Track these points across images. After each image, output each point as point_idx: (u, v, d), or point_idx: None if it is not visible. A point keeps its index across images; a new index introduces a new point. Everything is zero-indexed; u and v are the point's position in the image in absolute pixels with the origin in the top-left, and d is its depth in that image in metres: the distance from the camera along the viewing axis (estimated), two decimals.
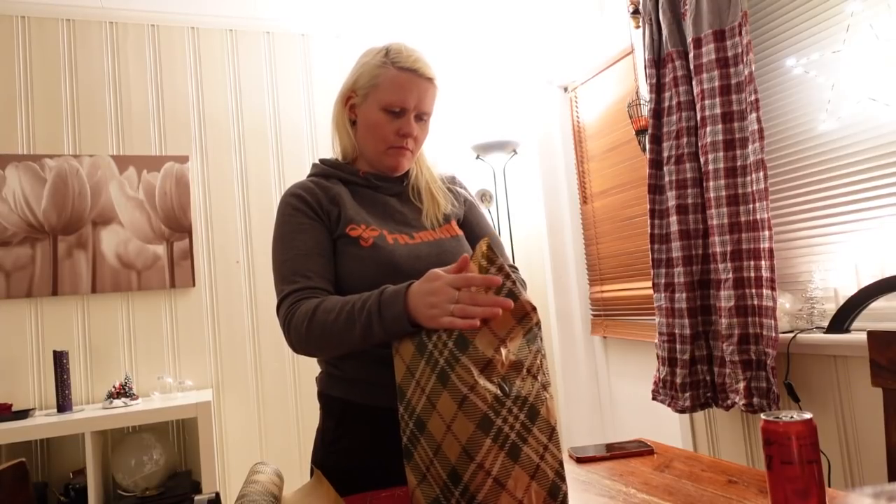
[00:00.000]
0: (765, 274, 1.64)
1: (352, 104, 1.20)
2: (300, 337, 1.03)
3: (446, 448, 0.83)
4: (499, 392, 0.85)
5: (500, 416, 0.84)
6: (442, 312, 0.87)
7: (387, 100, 1.15)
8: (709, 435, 2.04)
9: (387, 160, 1.19)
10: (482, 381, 0.84)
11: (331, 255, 1.12)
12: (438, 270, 0.92)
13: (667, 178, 1.90)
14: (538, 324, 0.94)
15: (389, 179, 1.24)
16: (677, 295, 1.87)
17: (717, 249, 1.76)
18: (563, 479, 0.86)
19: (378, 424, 1.11)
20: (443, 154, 3.07)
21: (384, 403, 1.07)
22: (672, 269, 1.91)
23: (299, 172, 2.94)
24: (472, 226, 1.30)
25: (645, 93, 2.13)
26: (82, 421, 2.15)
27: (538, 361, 0.92)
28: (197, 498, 0.89)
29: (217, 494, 0.91)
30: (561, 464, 0.87)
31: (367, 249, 1.11)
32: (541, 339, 0.94)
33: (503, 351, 0.88)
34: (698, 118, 1.80)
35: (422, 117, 1.19)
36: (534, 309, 0.91)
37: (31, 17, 2.63)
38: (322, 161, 1.25)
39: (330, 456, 1.14)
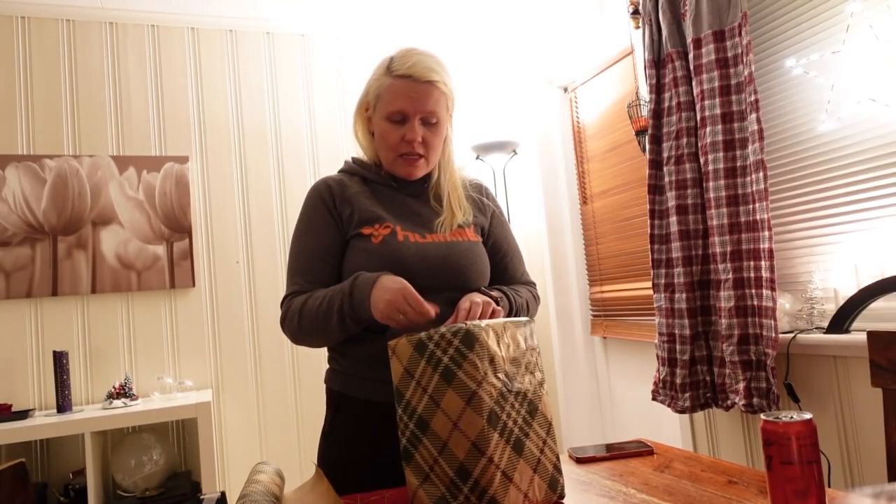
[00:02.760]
0: (765, 274, 1.64)
1: (368, 116, 1.25)
2: (293, 328, 1.16)
3: (453, 445, 0.84)
4: (503, 387, 0.87)
5: (505, 411, 0.86)
6: (388, 317, 1.02)
7: (388, 109, 1.18)
8: (709, 435, 2.04)
9: (398, 169, 1.22)
10: (490, 377, 0.85)
11: (336, 257, 1.20)
12: (403, 281, 1.04)
13: (667, 179, 1.90)
14: (532, 321, 0.99)
15: (410, 181, 1.26)
16: (677, 295, 1.87)
17: (717, 250, 1.76)
18: (560, 472, 0.93)
19: (371, 418, 1.14)
20: None
21: (377, 398, 1.12)
22: (672, 270, 1.91)
23: (299, 173, 2.94)
24: (497, 239, 1.32)
25: (645, 93, 2.13)
26: (82, 421, 2.15)
27: (534, 358, 0.96)
28: (205, 497, 0.90)
29: (223, 494, 0.92)
30: (558, 457, 0.94)
31: (375, 245, 1.15)
32: (536, 337, 0.99)
33: (503, 347, 0.90)
34: (698, 119, 1.80)
35: (429, 121, 1.18)
36: None
37: (31, 17, 2.63)
38: (352, 159, 1.31)
39: (327, 447, 1.20)
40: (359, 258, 1.16)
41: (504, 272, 1.32)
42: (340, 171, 1.30)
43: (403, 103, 1.16)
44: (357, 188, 1.23)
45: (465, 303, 1.08)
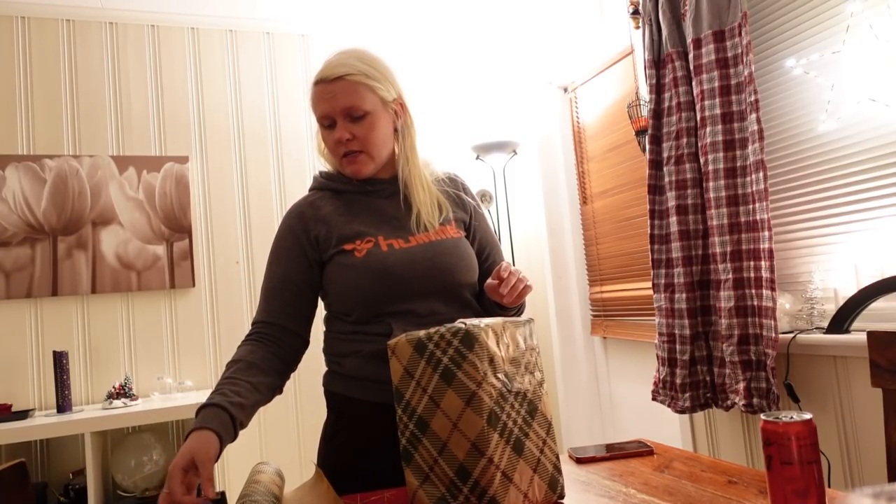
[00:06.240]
0: (764, 274, 1.64)
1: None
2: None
3: (453, 446, 0.84)
4: (503, 388, 0.87)
5: (504, 411, 0.86)
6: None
7: (317, 118, 1.21)
8: (708, 435, 2.04)
9: (345, 169, 1.23)
10: (490, 377, 0.85)
11: (297, 284, 1.20)
12: (189, 456, 0.91)
13: (666, 179, 1.90)
14: (532, 321, 0.99)
15: (380, 182, 1.25)
16: (677, 295, 1.87)
17: (717, 250, 1.76)
18: (560, 472, 0.93)
19: (374, 421, 1.13)
20: (443, 154, 3.07)
21: (381, 400, 1.10)
22: (672, 270, 1.91)
23: (299, 173, 2.94)
24: (481, 236, 1.32)
25: (645, 93, 2.13)
26: (82, 421, 2.15)
27: (534, 358, 0.96)
28: (204, 497, 0.90)
29: (223, 494, 0.92)
30: (558, 457, 0.93)
31: (360, 259, 1.15)
32: (535, 337, 0.99)
33: (502, 347, 0.90)
34: (698, 119, 1.80)
35: (353, 116, 1.17)
36: None
37: (31, 17, 2.63)
38: (320, 174, 1.30)
39: (329, 452, 1.18)
40: (344, 273, 1.16)
41: (491, 268, 1.32)
42: (311, 189, 1.30)
43: (323, 107, 1.17)
44: (330, 207, 1.23)
45: (504, 264, 1.12)
